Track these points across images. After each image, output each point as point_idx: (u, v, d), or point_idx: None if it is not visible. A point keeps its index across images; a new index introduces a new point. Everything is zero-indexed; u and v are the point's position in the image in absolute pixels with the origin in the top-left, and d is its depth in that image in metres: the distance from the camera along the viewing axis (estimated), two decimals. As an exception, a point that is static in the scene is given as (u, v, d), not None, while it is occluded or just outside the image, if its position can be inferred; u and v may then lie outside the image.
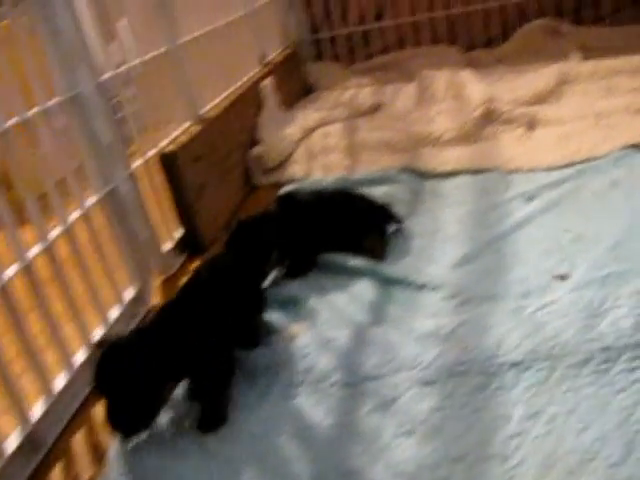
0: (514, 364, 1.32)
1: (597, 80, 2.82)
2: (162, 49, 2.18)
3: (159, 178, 2.07)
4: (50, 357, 1.47)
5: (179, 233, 2.12)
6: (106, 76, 1.82)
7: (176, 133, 2.20)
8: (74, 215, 1.62)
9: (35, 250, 1.45)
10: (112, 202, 1.79)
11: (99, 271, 1.71)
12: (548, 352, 1.33)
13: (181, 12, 2.32)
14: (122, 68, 1.94)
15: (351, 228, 1.88)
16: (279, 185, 2.50)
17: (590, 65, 2.94)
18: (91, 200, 1.70)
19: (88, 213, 1.67)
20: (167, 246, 2.05)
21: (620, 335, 1.33)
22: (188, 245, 2.13)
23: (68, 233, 1.58)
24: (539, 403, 1.22)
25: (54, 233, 1.53)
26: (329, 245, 1.86)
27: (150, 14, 2.15)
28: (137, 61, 2.02)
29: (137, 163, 1.95)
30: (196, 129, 2.25)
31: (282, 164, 2.65)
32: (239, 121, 2.65)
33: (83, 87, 1.69)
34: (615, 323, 1.36)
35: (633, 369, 1.26)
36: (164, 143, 2.11)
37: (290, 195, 1.97)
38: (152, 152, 2.04)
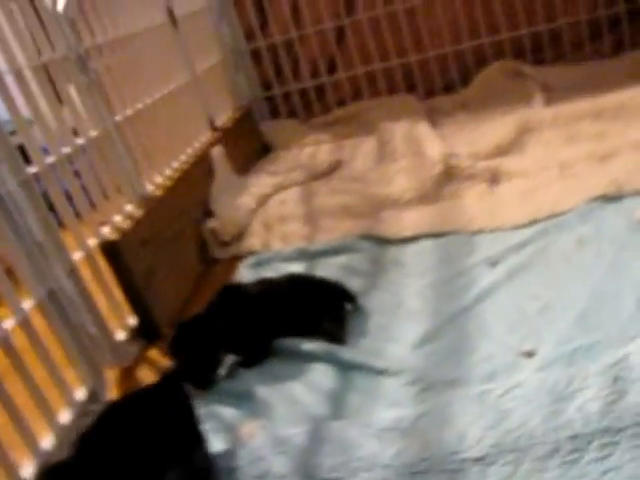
0: (478, 459, 1.31)
1: (559, 127, 2.85)
2: (95, 131, 2.17)
3: (104, 267, 2.06)
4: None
5: (133, 321, 2.11)
6: (32, 169, 1.81)
7: (119, 217, 2.19)
8: (9, 323, 1.60)
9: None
10: (53, 302, 1.77)
11: (44, 376, 1.69)
12: (513, 444, 1.32)
13: (115, 89, 2.34)
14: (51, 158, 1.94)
15: (306, 312, 1.87)
16: (238, 258, 2.50)
17: (552, 111, 2.98)
18: (27, 304, 1.68)
19: (26, 318, 1.65)
20: (121, 336, 2.04)
21: (588, 421, 1.32)
22: (143, 333, 2.12)
23: (5, 342, 1.56)
24: (505, 504, 1.21)
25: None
26: (284, 331, 1.85)
27: (82, 95, 2.15)
28: (66, 149, 2.02)
29: (77, 256, 1.94)
30: (141, 211, 2.24)
31: (239, 236, 2.64)
32: (190, 194, 2.65)
33: (6, 185, 1.68)
34: (582, 407, 1.35)
35: (603, 458, 1.25)
36: (106, 230, 2.10)
37: (234, 287, 1.97)
38: (93, 242, 2.03)
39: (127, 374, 1.96)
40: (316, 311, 1.87)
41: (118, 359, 2.00)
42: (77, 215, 2.02)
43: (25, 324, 1.65)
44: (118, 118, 2.31)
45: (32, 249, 1.73)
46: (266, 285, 1.95)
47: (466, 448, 1.34)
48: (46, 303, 1.75)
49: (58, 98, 2.06)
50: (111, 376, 1.95)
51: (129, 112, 2.43)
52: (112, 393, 1.87)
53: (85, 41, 2.20)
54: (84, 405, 1.77)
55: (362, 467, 1.36)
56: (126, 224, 2.16)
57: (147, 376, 1.93)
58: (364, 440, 1.42)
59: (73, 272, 1.89)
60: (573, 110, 2.94)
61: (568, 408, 1.36)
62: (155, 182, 2.52)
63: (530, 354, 1.59)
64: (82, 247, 1.99)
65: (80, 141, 2.10)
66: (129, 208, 2.27)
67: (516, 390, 1.46)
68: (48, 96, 2.00)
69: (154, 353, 2.06)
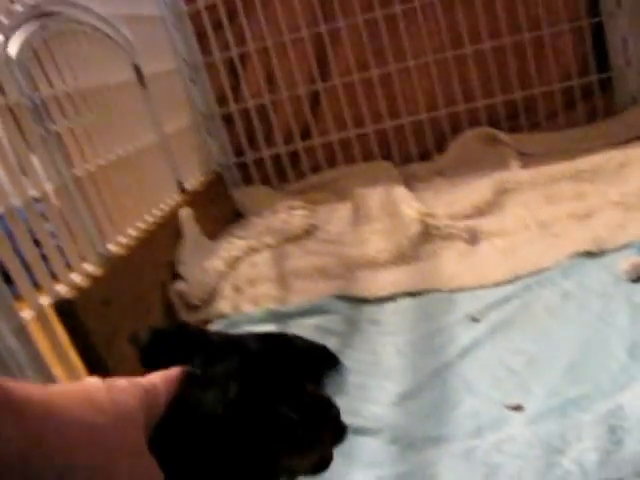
0: (467, 522, 1.21)
1: (537, 188, 2.84)
2: (51, 185, 2.10)
3: (59, 327, 1.95)
4: None
5: None
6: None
7: (78, 277, 2.10)
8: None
9: None
10: None
11: None
12: (505, 501, 1.23)
13: (75, 143, 2.28)
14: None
15: (284, 371, 1.78)
16: (207, 322, 2.41)
17: (529, 173, 2.98)
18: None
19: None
20: None
21: (585, 473, 1.23)
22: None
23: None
24: None
25: None
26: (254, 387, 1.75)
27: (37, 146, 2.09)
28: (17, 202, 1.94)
29: (28, 314, 1.83)
30: (102, 270, 2.15)
31: (208, 299, 2.56)
32: (156, 255, 2.57)
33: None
34: (579, 459, 1.27)
35: (602, 514, 1.16)
36: (62, 289, 2.00)
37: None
38: (47, 301, 1.93)
39: None
40: (293, 366, 1.78)
41: None
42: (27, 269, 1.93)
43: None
44: (78, 173, 2.25)
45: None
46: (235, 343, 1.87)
47: (453, 510, 1.24)
48: None
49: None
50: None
51: (90, 167, 2.36)
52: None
53: (42, 91, 2.16)
54: None
55: (339, 531, 1.25)
56: (85, 283, 2.06)
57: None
58: (340, 503, 1.32)
59: (22, 331, 1.77)
60: (551, 172, 2.93)
61: (563, 461, 1.28)
62: (118, 242, 2.43)
63: (518, 408, 1.51)
64: (33, 306, 1.88)
65: (34, 194, 2.02)
66: (88, 267, 2.18)
67: (505, 445, 1.37)
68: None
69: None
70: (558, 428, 1.36)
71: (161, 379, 0.95)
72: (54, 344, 1.94)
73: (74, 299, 1.95)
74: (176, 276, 2.62)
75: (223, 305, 2.49)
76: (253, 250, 2.86)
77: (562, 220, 2.49)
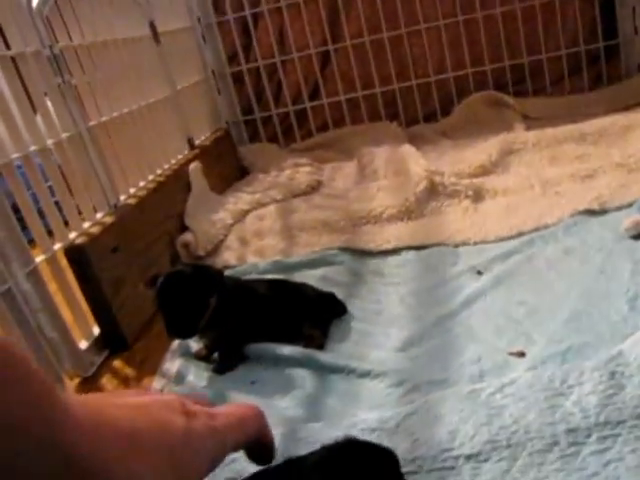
0: (471, 456, 1.20)
1: (542, 149, 2.81)
2: (66, 134, 2.08)
3: (69, 273, 1.95)
4: None
5: (96, 331, 1.99)
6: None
7: (88, 223, 2.09)
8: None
9: None
10: (8, 303, 1.65)
11: None
12: (508, 439, 1.21)
13: (90, 94, 2.26)
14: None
15: (289, 315, 1.77)
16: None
17: (534, 134, 2.94)
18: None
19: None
20: (83, 345, 1.92)
21: (586, 415, 1.22)
22: (108, 342, 2.00)
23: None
24: (501, 500, 1.10)
25: None
26: (263, 333, 1.74)
27: (54, 96, 2.07)
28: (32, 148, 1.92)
29: (40, 259, 1.83)
30: (112, 218, 2.14)
31: (214, 251, 2.54)
32: (164, 206, 2.55)
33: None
34: (580, 402, 1.26)
35: (603, 450, 1.15)
36: (73, 235, 2.00)
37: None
38: (59, 246, 1.93)
39: (88, 384, 1.84)
40: (300, 316, 1.77)
41: (79, 368, 1.87)
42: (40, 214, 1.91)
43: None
44: (92, 124, 2.22)
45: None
46: (257, 283, 1.86)
47: (458, 445, 1.23)
48: (1, 301, 1.63)
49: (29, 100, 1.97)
50: (71, 386, 1.83)
51: (104, 118, 2.34)
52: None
53: (60, 42, 2.13)
54: None
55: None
56: (95, 230, 2.05)
57: (110, 386, 1.81)
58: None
59: (34, 273, 1.77)
60: (555, 134, 2.90)
61: (565, 403, 1.27)
62: (128, 192, 2.42)
63: (521, 355, 1.50)
64: (45, 251, 1.88)
65: (50, 142, 2.00)
66: (99, 215, 2.17)
67: (508, 388, 1.36)
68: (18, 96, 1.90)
69: (118, 363, 1.94)
70: (560, 373, 1.35)
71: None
72: (64, 288, 1.94)
73: (84, 245, 1.95)
74: (183, 228, 2.61)
75: (228, 256, 2.48)
76: (259, 204, 2.84)
77: (565, 180, 2.47)
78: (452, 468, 1.19)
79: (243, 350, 1.72)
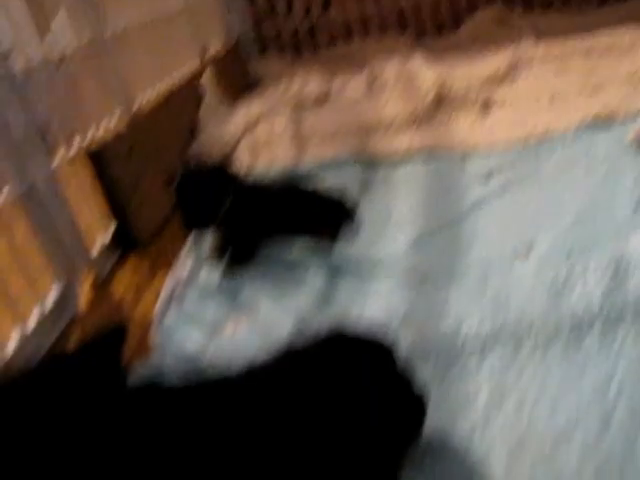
0: (476, 345, 1.23)
1: (550, 62, 2.77)
2: (86, 39, 2.06)
3: (88, 173, 1.95)
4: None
5: (112, 229, 2.01)
6: (18, 65, 1.69)
7: (105, 126, 2.09)
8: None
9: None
10: (29, 200, 1.66)
11: (15, 272, 1.57)
12: (513, 329, 1.25)
13: (109, 3, 2.22)
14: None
15: (302, 218, 1.78)
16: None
17: (542, 48, 2.90)
18: (4, 197, 1.57)
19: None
20: (99, 243, 1.94)
21: (589, 307, 1.25)
22: (123, 241, 2.02)
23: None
24: (506, 385, 1.13)
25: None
26: (276, 233, 1.76)
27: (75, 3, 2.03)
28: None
29: (59, 158, 1.83)
30: (128, 122, 2.14)
31: (225, 158, 2.54)
32: (177, 115, 2.54)
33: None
34: (583, 295, 1.28)
35: (607, 341, 1.18)
36: (91, 136, 2.00)
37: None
38: (77, 147, 1.93)
39: (101, 283, 1.85)
40: (312, 218, 1.78)
41: (94, 266, 1.89)
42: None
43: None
44: (108, 31, 2.20)
45: (12, 145, 1.62)
46: (271, 185, 1.86)
47: (464, 334, 1.26)
48: (22, 197, 1.64)
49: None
50: (85, 283, 1.85)
51: (120, 25, 2.31)
52: (84, 300, 1.75)
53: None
54: (54, 310, 1.65)
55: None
56: (112, 133, 2.06)
57: (121, 287, 1.83)
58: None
59: (54, 173, 1.78)
60: (563, 48, 2.86)
61: (569, 297, 1.29)
62: (143, 99, 2.40)
63: (526, 254, 1.52)
64: (67, 152, 1.88)
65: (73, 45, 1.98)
66: (116, 119, 2.17)
67: (513, 283, 1.39)
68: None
69: (131, 264, 1.95)
70: (564, 269, 1.38)
71: None
72: (81, 189, 1.95)
73: (103, 145, 1.95)
74: (194, 136, 2.61)
75: (239, 164, 2.47)
76: (269, 115, 2.82)
77: (573, 92, 2.44)
78: (457, 356, 1.22)
79: (255, 249, 1.74)
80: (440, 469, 1.00)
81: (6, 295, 1.50)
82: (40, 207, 1.69)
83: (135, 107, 2.27)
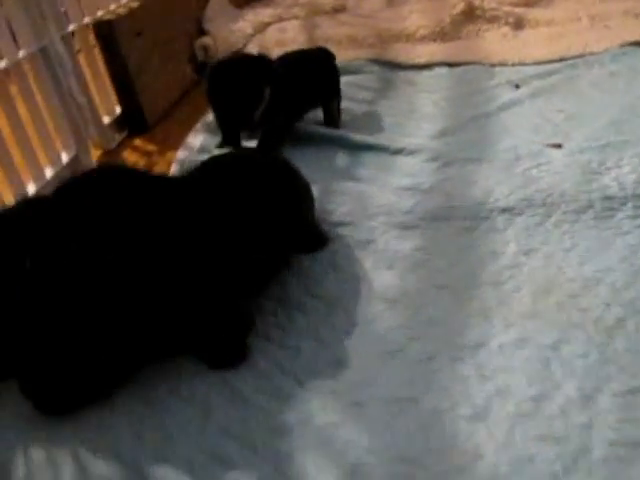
0: (505, 209, 1.35)
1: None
2: None
3: (98, 52, 2.09)
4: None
5: (119, 109, 2.15)
6: None
7: (115, 5, 2.23)
8: (2, 63, 1.63)
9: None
10: (45, 60, 1.80)
11: (32, 127, 1.73)
12: (543, 200, 1.36)
13: None
14: None
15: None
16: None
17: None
18: (22, 53, 1.71)
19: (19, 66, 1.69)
20: (106, 120, 2.08)
21: (623, 187, 1.37)
22: (129, 123, 2.15)
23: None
24: (534, 242, 1.25)
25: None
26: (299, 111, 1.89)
27: None
28: None
29: (72, 27, 1.98)
30: (137, 3, 2.26)
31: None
32: (185, 6, 2.65)
33: None
34: (617, 178, 1.40)
35: (637, 216, 1.29)
36: (101, 13, 2.14)
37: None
38: (89, 19, 2.07)
39: (110, 157, 2.01)
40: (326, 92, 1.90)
41: (102, 140, 2.05)
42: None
43: (18, 71, 1.69)
44: None
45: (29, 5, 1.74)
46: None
47: (493, 200, 1.38)
48: (38, 57, 1.78)
49: None
50: (93, 153, 1.99)
51: None
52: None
53: None
54: (67, 167, 1.80)
55: (380, 212, 1.40)
56: (121, 11, 2.17)
57: (131, 159, 1.95)
58: (380, 194, 1.47)
59: (67, 39, 1.93)
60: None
61: (602, 178, 1.41)
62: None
63: (557, 146, 1.63)
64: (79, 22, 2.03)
65: None
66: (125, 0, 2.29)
67: (545, 166, 1.51)
68: None
69: (139, 142, 2.08)
70: (598, 157, 1.49)
71: None
72: (91, 65, 2.06)
73: (112, 22, 2.06)
74: (202, 33, 2.70)
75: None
76: (281, 19, 2.90)
77: (616, 15, 2.53)
78: (486, 218, 1.34)
79: (287, 129, 1.84)
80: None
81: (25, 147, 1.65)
82: (56, 68, 1.83)
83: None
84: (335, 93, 1.93)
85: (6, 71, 1.62)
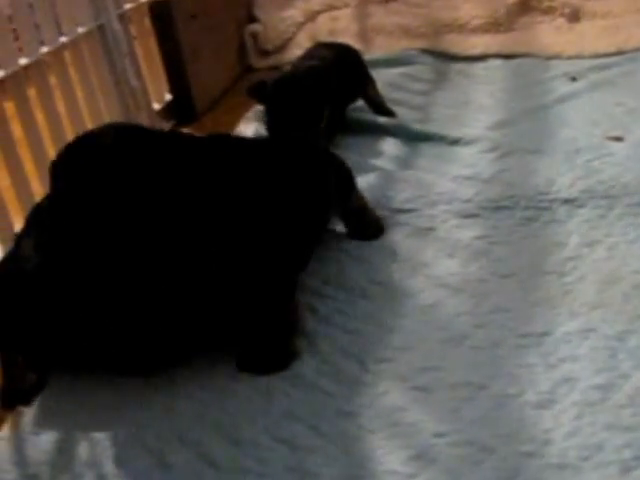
0: (567, 200, 1.36)
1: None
2: None
3: (153, 39, 2.12)
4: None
5: (168, 97, 2.18)
6: None
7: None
8: (62, 39, 1.68)
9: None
10: (101, 38, 1.84)
11: (86, 107, 1.78)
12: (605, 192, 1.37)
13: None
14: None
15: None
16: (277, 68, 2.51)
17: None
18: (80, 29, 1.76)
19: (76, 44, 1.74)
20: (156, 107, 2.10)
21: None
22: (178, 111, 2.18)
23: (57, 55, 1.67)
24: (597, 234, 1.27)
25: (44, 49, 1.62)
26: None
27: None
28: None
29: (129, 5, 2.01)
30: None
31: (282, 47, 2.66)
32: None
33: None
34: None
35: None
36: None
37: None
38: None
39: None
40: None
41: (151, 127, 2.05)
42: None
43: (75, 49, 1.74)
44: None
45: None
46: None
47: (555, 191, 1.39)
48: (95, 35, 1.82)
49: None
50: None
51: None
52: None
53: None
54: None
55: (440, 200, 1.42)
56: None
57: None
58: (440, 183, 1.49)
59: (123, 18, 1.96)
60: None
61: (666, 172, 1.42)
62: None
63: (618, 139, 1.63)
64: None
65: None
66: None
67: (606, 157, 1.52)
68: None
69: (186, 131, 2.10)
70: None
71: None
72: (145, 50, 2.10)
73: (168, 2, 2.08)
74: (252, 20, 2.73)
75: (298, 53, 2.58)
76: (332, 7, 2.92)
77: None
78: (548, 209, 1.35)
79: (342, 118, 1.88)
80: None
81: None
82: (112, 47, 1.88)
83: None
84: (364, 82, 1.96)
85: (64, 47, 1.68)
